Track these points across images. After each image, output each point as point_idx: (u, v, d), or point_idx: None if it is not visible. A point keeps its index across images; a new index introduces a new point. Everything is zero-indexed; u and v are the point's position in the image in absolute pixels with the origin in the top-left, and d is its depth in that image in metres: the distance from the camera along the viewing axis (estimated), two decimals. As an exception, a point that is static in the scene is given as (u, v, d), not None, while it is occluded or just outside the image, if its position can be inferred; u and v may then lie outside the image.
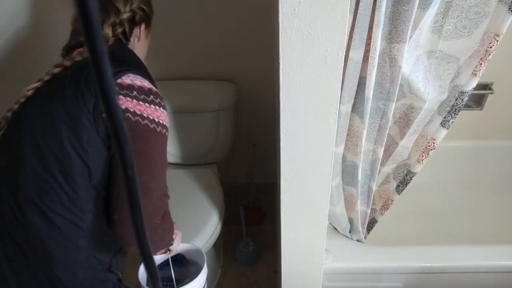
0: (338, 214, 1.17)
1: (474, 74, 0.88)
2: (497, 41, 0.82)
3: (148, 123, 0.73)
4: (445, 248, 1.20)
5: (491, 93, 1.59)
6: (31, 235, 0.72)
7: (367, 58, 0.84)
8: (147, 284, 0.91)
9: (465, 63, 0.90)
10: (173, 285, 0.95)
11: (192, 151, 1.65)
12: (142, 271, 0.95)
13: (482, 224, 1.67)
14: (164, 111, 0.79)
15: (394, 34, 0.82)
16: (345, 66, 0.82)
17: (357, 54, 0.84)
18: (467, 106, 1.67)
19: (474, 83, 0.89)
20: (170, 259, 0.95)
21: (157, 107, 0.76)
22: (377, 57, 0.83)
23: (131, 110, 0.71)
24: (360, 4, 0.76)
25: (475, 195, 1.78)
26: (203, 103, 1.52)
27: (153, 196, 0.73)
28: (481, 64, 0.87)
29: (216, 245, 1.68)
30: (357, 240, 1.24)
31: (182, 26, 1.52)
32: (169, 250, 0.93)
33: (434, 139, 1.00)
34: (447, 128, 0.98)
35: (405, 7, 0.77)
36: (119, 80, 0.73)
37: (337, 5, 0.64)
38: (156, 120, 0.75)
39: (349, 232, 1.25)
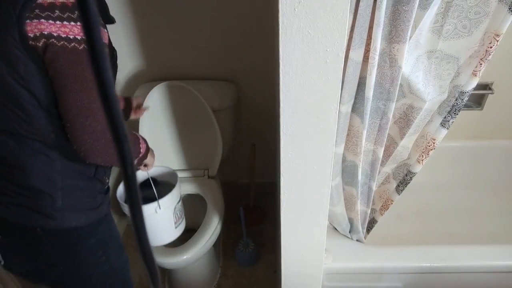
0: (338, 214, 1.17)
1: (474, 74, 0.88)
2: (497, 41, 0.82)
3: (76, 44, 0.69)
4: (445, 248, 1.20)
5: (491, 93, 1.59)
6: (5, 150, 0.78)
7: (367, 58, 0.84)
8: (126, 201, 1.02)
9: (465, 63, 0.90)
10: (154, 199, 1.09)
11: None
12: (120, 190, 1.09)
13: (482, 224, 1.66)
14: None
15: (394, 34, 0.82)
16: (345, 66, 0.82)
17: (357, 54, 0.84)
18: (467, 106, 1.67)
19: (474, 83, 0.89)
20: (148, 174, 1.11)
21: None
22: (377, 57, 0.83)
23: (55, 34, 0.68)
24: (360, 4, 0.76)
25: (475, 195, 1.78)
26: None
27: (99, 115, 0.73)
28: (481, 64, 0.87)
29: (216, 245, 1.69)
30: (357, 240, 1.24)
31: (182, 26, 1.52)
32: (145, 165, 1.01)
33: (434, 139, 1.00)
34: (447, 128, 0.98)
35: (405, 7, 0.77)
36: (39, 0, 0.67)
37: (337, 5, 0.64)
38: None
39: (349, 232, 1.25)
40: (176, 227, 1.20)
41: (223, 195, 1.60)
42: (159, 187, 1.19)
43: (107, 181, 0.93)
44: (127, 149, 0.24)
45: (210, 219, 1.46)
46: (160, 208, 1.09)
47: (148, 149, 1.00)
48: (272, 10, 1.13)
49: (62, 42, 0.68)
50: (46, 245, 0.85)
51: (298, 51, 0.69)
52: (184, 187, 1.61)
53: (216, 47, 1.57)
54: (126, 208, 1.08)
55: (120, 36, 1.53)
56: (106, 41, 0.78)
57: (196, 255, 1.35)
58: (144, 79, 1.66)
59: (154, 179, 1.20)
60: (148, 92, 1.47)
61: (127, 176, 0.25)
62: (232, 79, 1.66)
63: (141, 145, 0.96)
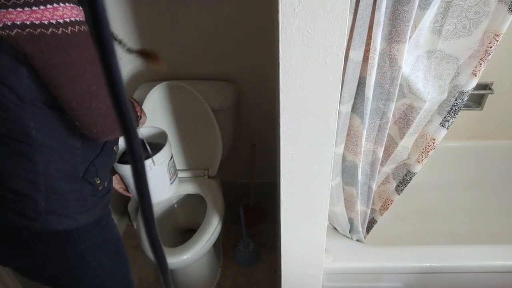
0: (338, 214, 1.17)
1: (474, 74, 0.88)
2: (497, 41, 0.82)
3: (54, 30, 0.64)
4: (445, 248, 1.20)
5: (491, 93, 1.59)
6: None
7: (367, 58, 0.84)
8: (118, 162, 1.08)
9: (465, 63, 0.90)
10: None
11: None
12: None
13: (482, 224, 1.67)
14: (66, 4, 0.65)
15: (394, 34, 0.82)
16: (345, 66, 0.82)
17: (357, 54, 0.84)
18: (467, 106, 1.67)
19: (474, 83, 0.89)
20: (141, 134, 1.17)
21: (54, 4, 0.63)
22: (377, 57, 0.83)
23: (28, 22, 0.62)
24: (360, 4, 0.76)
25: (475, 195, 1.78)
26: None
27: (100, 95, 0.72)
28: (481, 64, 0.87)
29: (216, 245, 1.69)
30: (357, 240, 1.24)
31: (182, 26, 1.52)
32: (137, 124, 1.02)
33: (434, 139, 1.00)
34: (447, 128, 0.98)
35: (405, 7, 0.77)
36: None
37: (337, 5, 0.64)
38: (61, 21, 0.65)
39: (349, 232, 1.25)
40: (171, 183, 1.25)
41: (223, 195, 1.60)
42: (150, 147, 1.22)
43: (99, 182, 0.88)
44: (136, 143, 0.24)
45: (210, 219, 1.46)
46: (154, 164, 1.13)
47: (141, 109, 1.02)
48: (272, 10, 1.13)
49: (39, 30, 0.63)
50: (33, 246, 0.83)
51: (298, 51, 0.69)
52: (184, 187, 1.61)
53: (216, 47, 1.57)
54: (118, 167, 1.09)
55: (120, 36, 1.53)
56: (80, 18, 0.71)
57: (196, 255, 1.35)
58: (144, 79, 1.66)
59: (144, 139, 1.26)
60: (148, 92, 1.47)
61: (137, 169, 0.25)
62: (232, 79, 1.66)
63: (137, 109, 0.98)
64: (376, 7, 0.76)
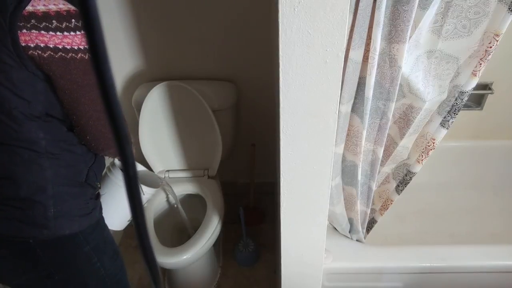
0: (337, 214, 1.17)
1: (473, 74, 0.88)
2: (497, 41, 0.82)
3: (83, 55, 0.72)
4: (445, 248, 1.20)
5: (491, 93, 1.60)
6: None
7: (367, 58, 0.84)
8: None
9: (464, 63, 0.90)
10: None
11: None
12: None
13: (482, 224, 1.67)
14: None
15: (394, 34, 0.82)
16: (345, 66, 0.82)
17: (357, 54, 0.84)
18: (467, 106, 1.67)
19: (473, 83, 0.89)
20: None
21: (83, 31, 0.72)
22: (377, 57, 0.83)
23: (60, 47, 0.69)
24: (360, 4, 0.76)
25: (475, 195, 1.78)
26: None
27: None
28: (481, 64, 0.87)
29: (216, 245, 1.69)
30: (357, 240, 1.24)
31: (182, 26, 1.52)
32: None
33: (434, 139, 1.00)
34: (447, 128, 0.98)
35: (405, 7, 0.77)
36: (30, 8, 0.66)
37: (337, 5, 0.64)
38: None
39: (349, 232, 1.25)
40: (128, 221, 1.23)
41: (223, 195, 1.60)
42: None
43: (99, 186, 0.93)
44: (129, 150, 0.24)
45: (210, 219, 1.46)
46: (143, 194, 1.12)
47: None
48: (272, 10, 1.13)
49: (70, 54, 0.71)
50: (40, 256, 0.84)
51: (298, 51, 0.69)
52: (184, 187, 1.61)
53: (216, 47, 1.57)
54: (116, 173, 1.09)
55: (120, 36, 1.53)
56: None
57: (196, 255, 1.35)
58: (144, 79, 1.66)
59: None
60: (148, 92, 1.47)
61: (129, 177, 0.25)
62: (232, 79, 1.66)
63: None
64: (376, 7, 0.76)
